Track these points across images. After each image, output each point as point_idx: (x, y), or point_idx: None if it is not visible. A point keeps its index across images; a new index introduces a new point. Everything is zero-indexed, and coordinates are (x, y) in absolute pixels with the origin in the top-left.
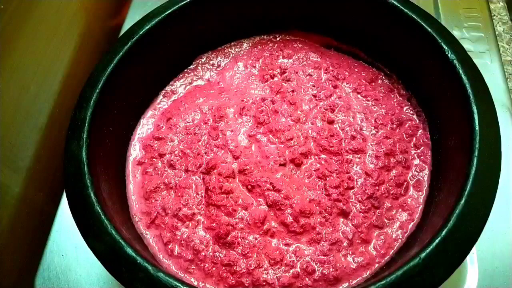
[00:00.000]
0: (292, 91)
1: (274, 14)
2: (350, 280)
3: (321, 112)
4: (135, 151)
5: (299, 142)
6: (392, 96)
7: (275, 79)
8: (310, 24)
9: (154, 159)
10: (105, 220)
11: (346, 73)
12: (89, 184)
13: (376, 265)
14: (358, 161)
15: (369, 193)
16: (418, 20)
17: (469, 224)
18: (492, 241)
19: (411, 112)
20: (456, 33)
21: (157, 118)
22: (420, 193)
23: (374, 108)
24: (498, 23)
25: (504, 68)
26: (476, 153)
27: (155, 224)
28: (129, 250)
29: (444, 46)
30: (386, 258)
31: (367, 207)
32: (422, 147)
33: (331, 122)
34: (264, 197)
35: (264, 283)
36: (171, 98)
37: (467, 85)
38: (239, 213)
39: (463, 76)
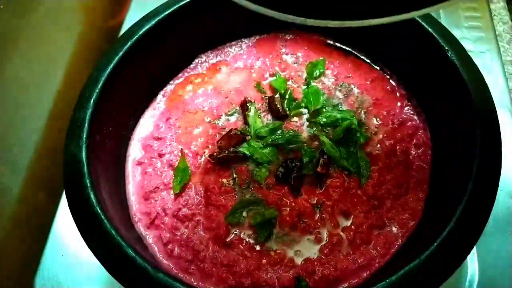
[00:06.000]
0: (293, 90)
1: None
2: (350, 281)
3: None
4: (134, 151)
5: None
6: (393, 96)
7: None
8: None
9: (153, 159)
10: (105, 220)
11: (347, 73)
12: (88, 184)
13: (377, 265)
14: None
15: (370, 194)
16: (418, 20)
17: (469, 224)
18: (492, 241)
19: (411, 112)
20: (456, 33)
21: (156, 118)
22: (420, 193)
23: (374, 108)
24: (498, 23)
25: (505, 68)
26: (476, 153)
27: (155, 224)
28: (129, 251)
29: (445, 46)
30: (386, 258)
31: (367, 208)
32: (423, 147)
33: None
34: (264, 197)
35: (264, 284)
36: (171, 98)
37: (467, 85)
38: None
39: (463, 76)
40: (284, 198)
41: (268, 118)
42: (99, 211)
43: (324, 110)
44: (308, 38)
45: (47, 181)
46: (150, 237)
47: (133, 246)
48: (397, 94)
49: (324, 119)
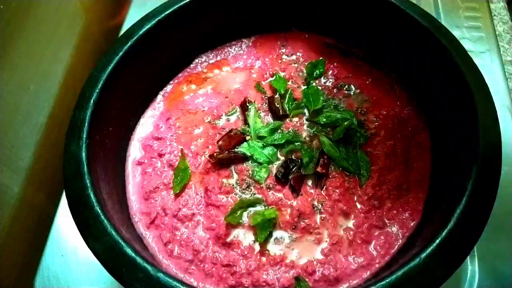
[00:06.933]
0: (293, 90)
1: (273, 14)
2: (350, 281)
3: None
4: (134, 151)
5: None
6: (393, 96)
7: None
8: (310, 24)
9: (153, 159)
10: (105, 221)
11: (347, 73)
12: (88, 184)
13: (377, 265)
14: None
15: (370, 194)
16: (419, 19)
17: (469, 224)
18: (492, 241)
19: (411, 112)
20: (456, 33)
21: (156, 118)
22: (420, 193)
23: (374, 108)
24: (498, 23)
25: (505, 68)
26: (476, 153)
27: (155, 224)
28: (129, 251)
29: (445, 46)
30: (386, 259)
31: (367, 208)
32: (422, 147)
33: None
34: (264, 197)
35: (264, 284)
36: (171, 98)
37: (467, 85)
38: None
39: (463, 76)
40: (284, 198)
41: (268, 118)
42: (99, 211)
43: (324, 110)
44: (308, 38)
45: (47, 181)
46: (150, 237)
47: (133, 246)
48: (397, 94)
49: (324, 119)
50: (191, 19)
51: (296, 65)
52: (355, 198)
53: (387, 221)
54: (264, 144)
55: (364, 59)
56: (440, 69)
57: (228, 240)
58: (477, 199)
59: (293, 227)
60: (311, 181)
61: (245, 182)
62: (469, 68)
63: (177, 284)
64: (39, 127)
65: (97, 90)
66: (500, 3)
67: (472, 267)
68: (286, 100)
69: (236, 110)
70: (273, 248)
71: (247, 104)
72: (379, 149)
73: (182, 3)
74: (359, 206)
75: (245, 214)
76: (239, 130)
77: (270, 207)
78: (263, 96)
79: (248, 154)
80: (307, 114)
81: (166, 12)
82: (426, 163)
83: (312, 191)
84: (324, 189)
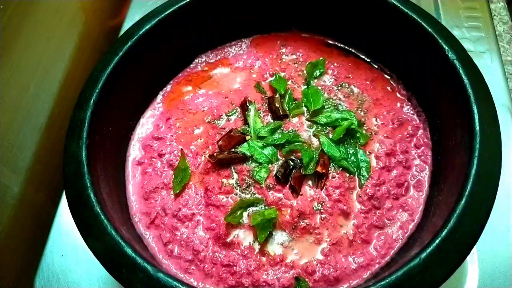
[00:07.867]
0: (293, 90)
1: (273, 14)
2: (350, 281)
3: None
4: (134, 151)
5: None
6: (393, 96)
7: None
8: (310, 24)
9: (153, 159)
10: (105, 221)
11: (347, 73)
12: (88, 185)
13: (377, 265)
14: None
15: (370, 194)
16: (419, 20)
17: (469, 224)
18: (492, 241)
19: (411, 112)
20: (456, 33)
21: (156, 118)
22: (420, 193)
23: (374, 108)
24: (498, 23)
25: (505, 68)
26: (476, 153)
27: (155, 224)
28: (129, 251)
29: (445, 46)
30: (386, 259)
31: (367, 208)
32: (423, 147)
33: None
34: (264, 197)
35: (264, 284)
36: (171, 98)
37: (467, 85)
38: None
39: (463, 76)
40: (284, 198)
41: (268, 118)
42: (99, 211)
43: (324, 110)
44: (308, 38)
45: (47, 181)
46: (150, 237)
47: (133, 246)
48: (397, 94)
49: (324, 119)
50: (191, 19)
51: (296, 65)
52: (355, 198)
53: (387, 221)
54: (264, 144)
55: (364, 59)
56: (440, 69)
57: (228, 240)
58: (477, 199)
59: (293, 227)
60: (311, 181)
61: (245, 182)
62: (469, 68)
63: (177, 284)
64: (39, 127)
65: (97, 90)
66: (500, 3)
67: (472, 267)
68: (286, 100)
69: (236, 110)
70: (273, 248)
71: (247, 104)
72: (379, 149)
73: (182, 3)
74: (359, 206)
75: (245, 214)
76: (239, 130)
77: (270, 207)
78: (263, 96)
79: (248, 154)
80: (307, 114)
81: (166, 12)
82: (426, 162)
83: (312, 191)
84: (324, 189)
